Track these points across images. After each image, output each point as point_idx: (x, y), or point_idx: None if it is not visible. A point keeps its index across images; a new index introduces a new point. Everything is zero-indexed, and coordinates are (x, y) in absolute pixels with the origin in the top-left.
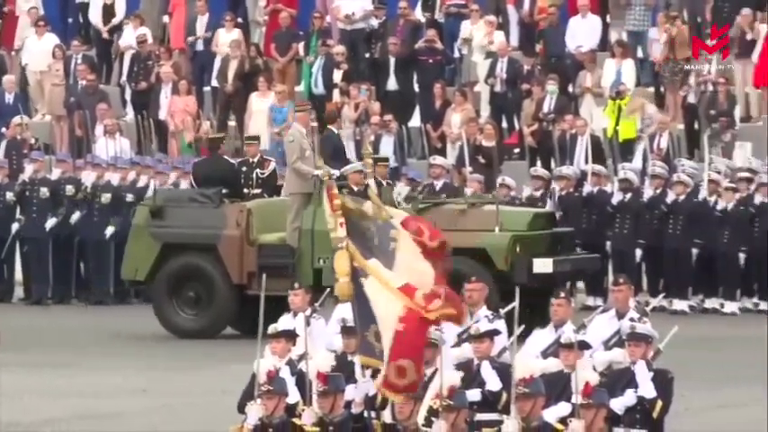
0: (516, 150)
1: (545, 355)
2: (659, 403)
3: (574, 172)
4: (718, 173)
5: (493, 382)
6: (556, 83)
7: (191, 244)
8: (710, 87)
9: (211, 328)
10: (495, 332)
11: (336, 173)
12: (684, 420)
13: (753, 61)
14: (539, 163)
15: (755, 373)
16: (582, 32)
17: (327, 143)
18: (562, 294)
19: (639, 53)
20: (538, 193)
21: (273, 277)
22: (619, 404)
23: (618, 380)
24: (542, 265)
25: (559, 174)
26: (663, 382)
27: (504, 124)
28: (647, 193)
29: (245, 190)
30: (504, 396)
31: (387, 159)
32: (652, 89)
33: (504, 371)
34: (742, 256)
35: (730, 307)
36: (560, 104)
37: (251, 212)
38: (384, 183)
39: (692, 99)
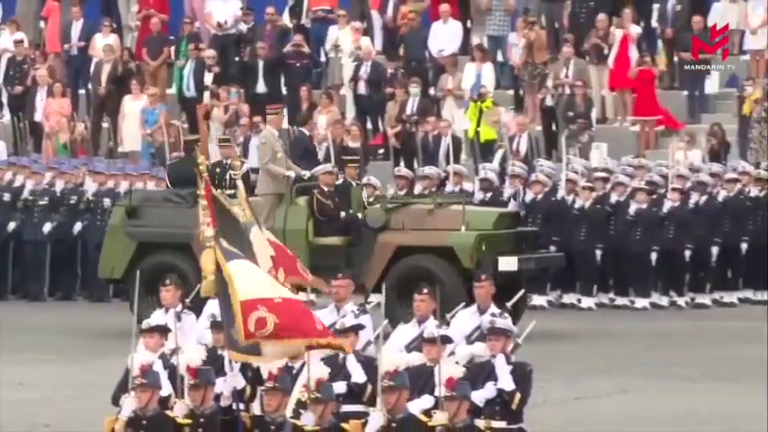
0: (381, 151)
1: (409, 349)
2: (518, 395)
3: (436, 172)
4: (576, 172)
5: (358, 375)
6: (418, 86)
7: (165, 243)
8: (568, 90)
9: None
10: (360, 327)
11: (307, 173)
12: (543, 411)
13: (608, 65)
14: (402, 163)
15: (613, 365)
16: (443, 37)
17: (298, 144)
18: (425, 290)
19: (499, 57)
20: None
21: None
22: (480, 396)
23: (479, 373)
24: (507, 263)
25: (422, 174)
26: (522, 374)
27: (369, 126)
28: (507, 192)
29: (219, 190)
30: (370, 388)
31: (357, 160)
32: (511, 92)
33: (369, 364)
34: (598, 252)
35: (587, 302)
36: (423, 106)
37: None
38: (354, 183)
39: (549, 101)
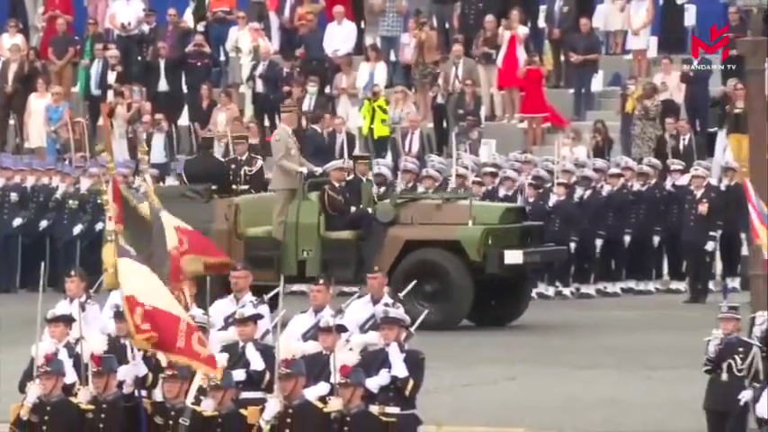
0: None
1: (305, 337)
2: (411, 382)
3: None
4: (466, 168)
5: (257, 363)
6: (316, 84)
7: None
8: (458, 88)
9: None
10: (259, 316)
11: (319, 170)
12: (434, 398)
13: (497, 65)
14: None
15: (501, 353)
16: (338, 37)
17: (309, 142)
18: (321, 281)
19: (392, 57)
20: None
21: (260, 268)
22: (374, 383)
23: (373, 361)
24: (513, 257)
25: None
26: (414, 362)
27: (267, 123)
28: (400, 186)
29: (234, 186)
30: (268, 376)
31: (368, 157)
32: (402, 88)
33: (267, 352)
34: None
35: None
36: (319, 104)
37: (239, 207)
38: (364, 179)
39: (440, 100)
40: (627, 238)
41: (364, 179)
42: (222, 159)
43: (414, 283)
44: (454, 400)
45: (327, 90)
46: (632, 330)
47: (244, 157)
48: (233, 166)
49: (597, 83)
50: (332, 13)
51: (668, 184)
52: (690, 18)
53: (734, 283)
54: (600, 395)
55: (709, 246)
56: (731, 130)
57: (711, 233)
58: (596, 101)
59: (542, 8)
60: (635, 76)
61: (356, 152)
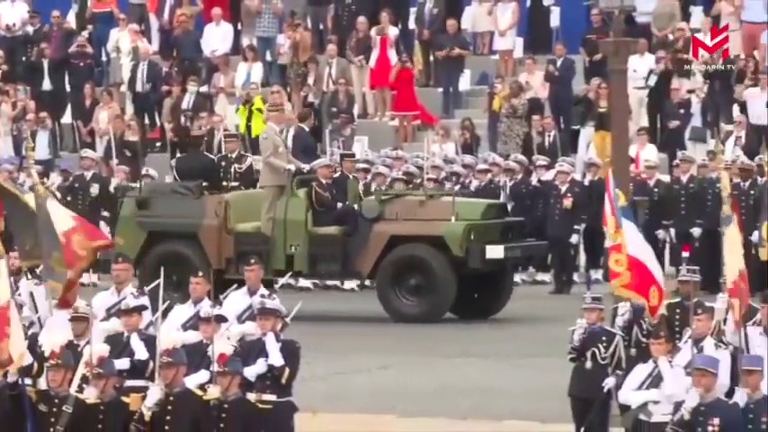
0: (158, 144)
1: (185, 327)
2: (287, 370)
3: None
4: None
5: (141, 352)
6: (196, 84)
7: (174, 232)
8: (332, 87)
9: None
10: (143, 307)
11: (307, 167)
12: (309, 385)
13: (370, 65)
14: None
15: (375, 343)
16: (216, 38)
17: (298, 140)
18: (200, 274)
19: (268, 57)
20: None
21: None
22: (251, 372)
23: (250, 350)
24: (494, 252)
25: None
26: (290, 351)
27: (147, 121)
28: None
29: (224, 183)
30: (151, 365)
31: (354, 155)
32: (278, 87)
33: (150, 342)
34: None
35: (349, 284)
36: (198, 103)
37: (229, 203)
38: (351, 176)
39: (314, 98)
40: None
41: (350, 176)
42: (213, 157)
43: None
44: (329, 387)
45: (205, 89)
46: (501, 320)
47: (234, 155)
48: (223, 164)
49: (465, 82)
50: (210, 15)
51: (534, 180)
52: (554, 20)
53: (597, 274)
54: (469, 382)
55: (574, 239)
56: (596, 127)
57: (575, 227)
58: (464, 99)
59: (412, 10)
60: (501, 75)
61: (342, 150)
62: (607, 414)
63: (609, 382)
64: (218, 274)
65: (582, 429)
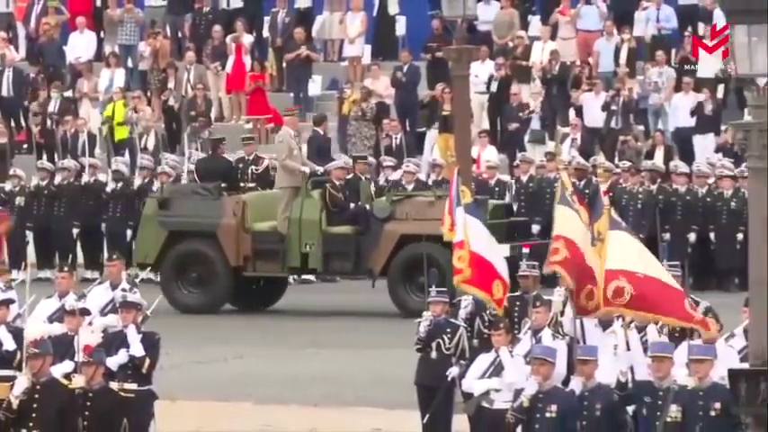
0: (25, 146)
1: (51, 320)
2: (147, 360)
3: (74, 164)
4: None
5: (9, 344)
6: (60, 89)
7: (194, 231)
8: (190, 92)
9: (212, 305)
10: (10, 301)
11: (321, 169)
12: (169, 374)
13: (226, 71)
14: (45, 157)
15: (231, 334)
16: (80, 46)
17: (313, 143)
18: (65, 269)
19: (129, 63)
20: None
21: (265, 260)
22: (114, 362)
23: (113, 341)
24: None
25: (62, 166)
26: (150, 342)
27: (13, 124)
28: (137, 182)
29: (242, 184)
30: (19, 355)
31: (365, 157)
32: (139, 92)
33: (18, 333)
34: None
35: None
36: (63, 107)
37: (246, 204)
38: (363, 178)
39: (173, 102)
40: None
41: (363, 178)
42: (231, 159)
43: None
44: (187, 376)
45: (70, 94)
46: (351, 313)
47: (251, 157)
48: (241, 165)
49: (316, 87)
50: (74, 24)
51: (381, 179)
52: (400, 28)
53: None
54: (320, 371)
55: None
56: (440, 129)
57: None
58: (315, 104)
59: (266, 19)
60: (351, 80)
61: (354, 153)
62: (451, 401)
63: (453, 371)
64: (237, 271)
65: (427, 416)
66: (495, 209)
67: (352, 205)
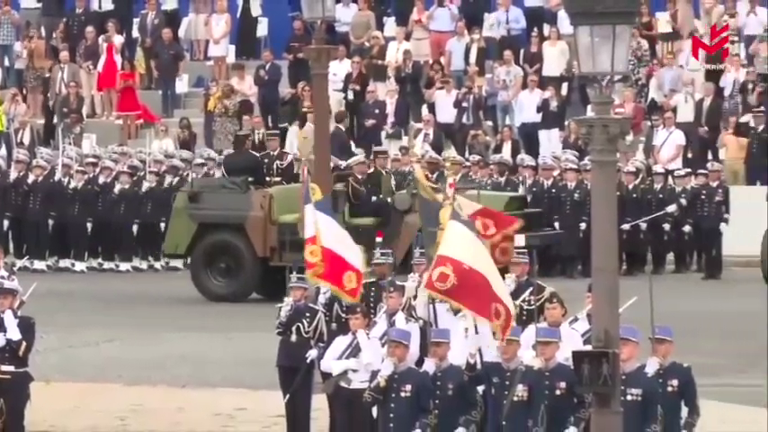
0: None
1: None
2: (24, 344)
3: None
4: (71, 158)
5: None
6: None
7: (222, 224)
8: (64, 90)
9: (239, 294)
10: None
11: (344, 163)
12: (44, 357)
13: (98, 69)
14: None
15: (102, 319)
16: None
17: (335, 139)
18: None
19: (6, 62)
20: None
21: (291, 251)
22: None
23: None
24: (517, 240)
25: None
26: (26, 326)
27: None
28: (13, 174)
29: (267, 178)
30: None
31: (386, 152)
32: (15, 90)
33: None
34: (89, 225)
35: (80, 266)
36: None
37: (272, 197)
38: (384, 172)
39: (48, 100)
40: None
41: (383, 172)
42: (257, 155)
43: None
44: (61, 359)
45: None
46: (216, 298)
47: (276, 153)
48: (266, 161)
49: (182, 85)
50: None
51: None
52: (262, 29)
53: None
54: (187, 353)
55: None
56: (300, 125)
57: None
58: (182, 101)
59: (136, 20)
60: (216, 78)
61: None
62: (310, 382)
63: (312, 354)
64: (263, 261)
65: (288, 396)
66: (511, 201)
67: (373, 198)
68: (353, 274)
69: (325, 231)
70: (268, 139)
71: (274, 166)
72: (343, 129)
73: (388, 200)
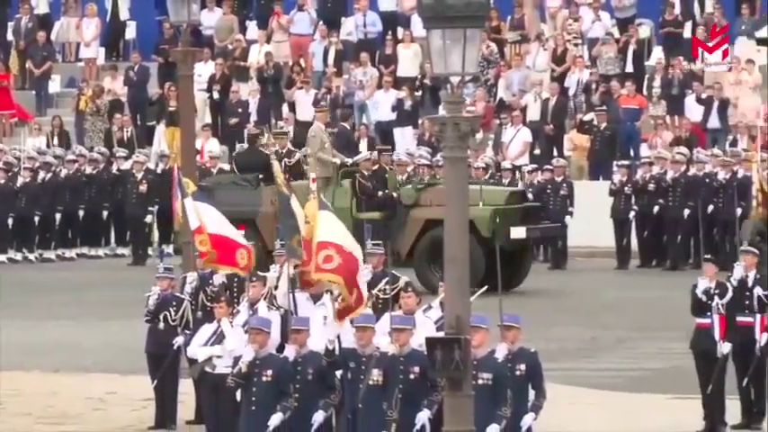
0: None
1: None
2: None
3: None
4: None
5: None
6: None
7: (235, 219)
8: None
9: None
10: None
11: (350, 160)
12: None
13: None
14: None
15: None
16: None
17: (342, 137)
18: None
19: None
20: None
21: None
22: None
23: None
24: (517, 232)
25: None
26: None
27: None
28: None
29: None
30: None
31: (390, 149)
32: None
33: None
34: None
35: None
36: None
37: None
38: (388, 168)
39: None
40: (81, 212)
41: (388, 168)
42: (267, 152)
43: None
44: None
45: None
46: (87, 288)
47: (284, 151)
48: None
49: (55, 85)
50: None
51: (114, 168)
52: (131, 32)
53: (169, 248)
54: (61, 340)
55: (148, 218)
56: (167, 124)
57: (150, 208)
58: (55, 100)
59: (10, 24)
60: (86, 79)
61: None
62: (177, 367)
63: (178, 340)
64: (271, 254)
65: (156, 380)
66: (512, 195)
67: (379, 193)
68: (244, 251)
69: (208, 219)
70: (276, 138)
71: (283, 164)
72: (348, 127)
73: (394, 194)
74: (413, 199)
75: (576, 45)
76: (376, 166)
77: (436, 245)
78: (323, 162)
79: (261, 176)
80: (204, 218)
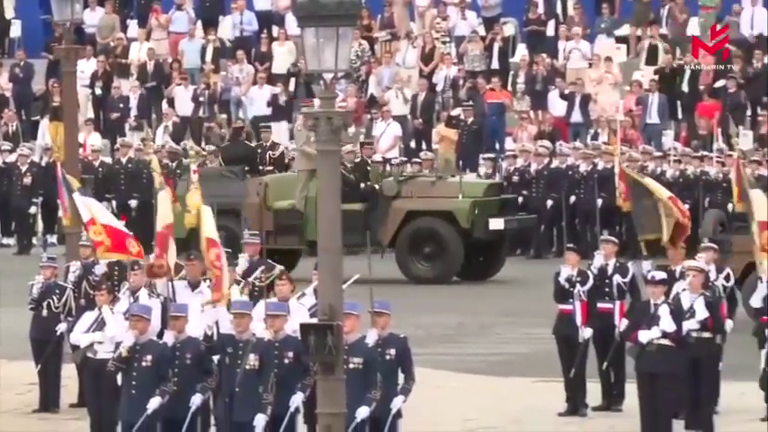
0: None
1: None
2: None
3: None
4: None
5: None
6: None
7: (221, 210)
8: None
9: None
10: None
11: None
12: None
13: None
14: None
15: None
16: None
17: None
18: None
19: None
20: None
21: (285, 235)
22: None
23: None
24: (496, 224)
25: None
26: None
27: None
28: None
29: (260, 167)
30: None
31: (372, 142)
32: None
33: None
34: None
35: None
36: None
37: (267, 185)
38: (370, 161)
39: None
40: None
41: (369, 161)
42: (252, 145)
43: None
44: None
45: None
46: None
47: (268, 144)
48: (259, 151)
49: None
50: None
51: (0, 161)
52: (16, 30)
53: (53, 238)
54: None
55: (32, 209)
56: (51, 118)
57: (34, 200)
58: None
59: None
60: None
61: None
62: (60, 352)
63: (61, 327)
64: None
65: (39, 366)
66: (490, 187)
67: (362, 185)
68: (132, 240)
69: (97, 211)
70: (262, 131)
71: (267, 156)
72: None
73: (377, 186)
74: (394, 191)
75: (443, 43)
76: (358, 159)
77: (417, 235)
78: (307, 155)
79: (246, 168)
80: (94, 210)
